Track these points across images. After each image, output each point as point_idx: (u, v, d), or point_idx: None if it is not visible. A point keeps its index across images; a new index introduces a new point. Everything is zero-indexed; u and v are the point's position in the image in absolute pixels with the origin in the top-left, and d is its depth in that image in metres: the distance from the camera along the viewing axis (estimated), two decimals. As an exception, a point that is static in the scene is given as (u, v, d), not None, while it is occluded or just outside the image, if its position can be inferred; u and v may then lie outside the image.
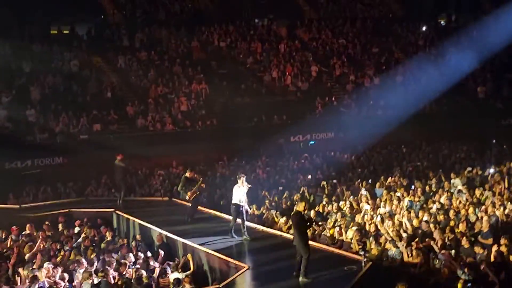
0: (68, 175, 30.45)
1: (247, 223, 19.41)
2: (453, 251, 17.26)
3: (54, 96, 35.23)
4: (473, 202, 22.24)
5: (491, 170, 27.85)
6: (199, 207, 22.50)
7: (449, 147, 36.01)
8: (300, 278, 15.14)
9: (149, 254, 19.06)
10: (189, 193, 21.13)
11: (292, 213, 16.06)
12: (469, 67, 40.81)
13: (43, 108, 33.97)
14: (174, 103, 36.82)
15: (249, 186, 19.38)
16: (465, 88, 41.55)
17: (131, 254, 18.43)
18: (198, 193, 21.49)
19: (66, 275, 16.43)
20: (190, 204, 21.92)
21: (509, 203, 21.49)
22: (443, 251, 17.18)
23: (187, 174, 21.73)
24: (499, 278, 14.73)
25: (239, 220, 19.05)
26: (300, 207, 15.57)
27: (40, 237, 20.15)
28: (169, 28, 43.56)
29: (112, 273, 16.60)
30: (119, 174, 25.41)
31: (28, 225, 21.66)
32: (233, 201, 19.03)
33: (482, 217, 19.66)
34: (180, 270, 17.13)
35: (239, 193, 18.91)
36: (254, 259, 17.47)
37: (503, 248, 16.65)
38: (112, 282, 16.02)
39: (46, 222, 22.29)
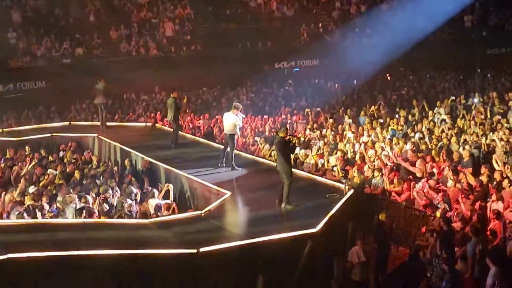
0: (50, 100, 30.24)
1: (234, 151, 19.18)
2: (433, 180, 17.41)
3: (36, 19, 34.60)
4: (456, 131, 22.31)
5: (475, 100, 27.91)
6: (181, 133, 22.52)
7: (434, 76, 35.99)
8: (283, 205, 15.19)
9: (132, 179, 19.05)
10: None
11: (275, 140, 16.06)
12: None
13: (25, 31, 33.41)
14: (159, 28, 36.37)
15: (243, 116, 19.12)
16: (451, 17, 41.18)
17: (113, 180, 18.43)
18: (181, 118, 21.38)
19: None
20: (172, 130, 21.91)
21: (490, 132, 21.60)
22: (423, 180, 17.34)
23: (173, 95, 21.61)
24: (474, 208, 14.89)
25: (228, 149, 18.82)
26: (282, 133, 15.56)
27: (25, 161, 20.15)
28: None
29: (95, 198, 16.64)
30: (101, 99, 25.22)
31: (9, 149, 21.61)
32: (228, 131, 18.59)
33: (463, 146, 19.79)
34: (161, 197, 17.19)
35: (231, 121, 18.49)
36: (237, 186, 17.49)
37: (484, 178, 16.82)
38: (95, 207, 16.05)
39: (29, 146, 22.25)
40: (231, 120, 18.42)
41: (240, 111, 18.65)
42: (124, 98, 31.96)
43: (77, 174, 19.06)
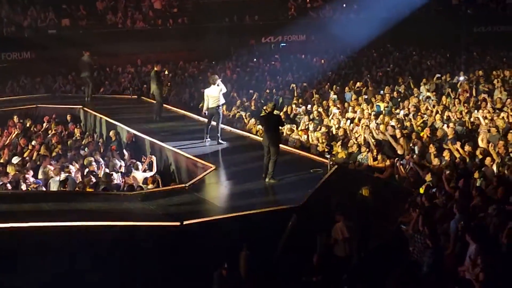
0: (36, 71, 30.15)
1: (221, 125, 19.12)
2: (417, 156, 17.49)
3: (22, -11, 34.33)
4: (440, 109, 22.37)
5: (461, 78, 27.97)
6: (166, 105, 22.53)
7: (420, 53, 36.02)
8: (267, 180, 15.25)
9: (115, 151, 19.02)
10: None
11: (262, 114, 16.07)
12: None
13: (10, 1, 33.09)
14: (145, 0, 36.13)
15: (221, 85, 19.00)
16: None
17: (98, 152, 18.41)
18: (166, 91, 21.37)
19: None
20: (156, 102, 21.90)
21: (475, 110, 21.69)
22: (407, 156, 17.40)
23: (156, 68, 21.59)
24: (457, 185, 14.96)
25: (213, 123, 18.80)
26: (269, 107, 15.59)
27: (12, 131, 20.11)
28: None
29: (79, 169, 16.64)
30: (86, 71, 25.12)
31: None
32: (211, 105, 18.42)
33: (447, 124, 19.88)
34: (145, 170, 17.21)
35: (215, 94, 18.37)
36: (221, 160, 17.57)
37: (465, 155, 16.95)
38: (79, 179, 16.06)
39: (14, 116, 22.15)
40: (215, 92, 18.34)
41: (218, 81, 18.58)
42: (109, 70, 31.79)
43: (61, 146, 19.02)
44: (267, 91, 27.28)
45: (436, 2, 40.79)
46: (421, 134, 19.12)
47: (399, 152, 18.04)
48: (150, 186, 15.69)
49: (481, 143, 17.82)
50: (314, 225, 13.83)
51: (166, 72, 21.56)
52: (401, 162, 17.18)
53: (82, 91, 26.75)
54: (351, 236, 13.49)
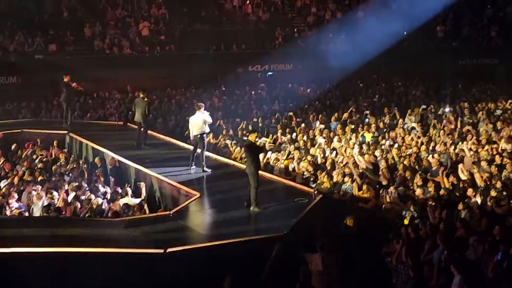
0: (21, 95, 30.04)
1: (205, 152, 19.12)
2: (402, 188, 17.52)
3: (10, 14, 34.33)
4: (425, 140, 22.47)
5: (446, 109, 28.15)
6: (151, 132, 22.57)
7: (406, 85, 36.25)
8: (251, 208, 15.23)
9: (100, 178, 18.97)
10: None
11: (244, 143, 16.11)
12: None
13: (-3, 25, 33.20)
14: (133, 27, 36.27)
15: (208, 113, 19.04)
16: (424, 26, 41.49)
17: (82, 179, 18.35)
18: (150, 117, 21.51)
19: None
20: (142, 130, 21.88)
21: (460, 142, 21.81)
22: (392, 187, 17.44)
23: (142, 95, 21.63)
24: (441, 216, 15.00)
25: (198, 150, 18.78)
26: (251, 136, 15.62)
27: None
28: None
29: (63, 195, 16.55)
30: (67, 96, 25.09)
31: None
32: (195, 132, 18.42)
33: (432, 155, 19.96)
34: (131, 196, 17.15)
35: (200, 122, 18.38)
36: (206, 187, 17.55)
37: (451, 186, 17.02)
38: (63, 204, 15.97)
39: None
40: (199, 120, 18.34)
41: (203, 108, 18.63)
42: (96, 96, 31.79)
43: (45, 171, 18.95)
44: (254, 119, 27.31)
45: (422, 34, 41.17)
46: (406, 165, 19.16)
47: (384, 182, 18.06)
48: (138, 213, 15.64)
49: (463, 175, 17.90)
50: (298, 254, 13.79)
51: (146, 99, 21.54)
52: (386, 192, 17.20)
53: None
54: (325, 270, 13.35)
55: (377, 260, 14.43)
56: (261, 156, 16.96)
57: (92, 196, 16.60)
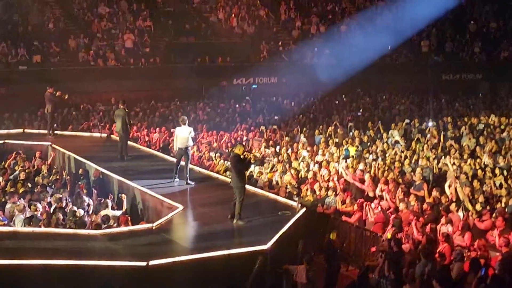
0: (5, 106, 29.86)
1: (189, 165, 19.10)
2: (385, 202, 17.57)
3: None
4: (409, 154, 22.54)
5: (429, 124, 28.27)
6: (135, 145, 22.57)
7: (389, 99, 36.43)
8: (234, 221, 15.22)
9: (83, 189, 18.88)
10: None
11: (230, 156, 16.10)
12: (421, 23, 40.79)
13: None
14: (118, 39, 36.24)
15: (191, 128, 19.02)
16: (409, 41, 41.76)
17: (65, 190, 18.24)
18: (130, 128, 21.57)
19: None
20: (122, 142, 21.82)
21: (443, 156, 21.90)
22: (376, 201, 17.48)
23: (122, 106, 21.59)
24: (424, 230, 15.05)
25: (182, 163, 18.77)
26: (238, 149, 15.60)
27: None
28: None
29: (45, 207, 16.46)
30: (50, 107, 25.00)
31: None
32: (179, 145, 18.48)
33: (415, 169, 20.03)
34: (113, 208, 17.07)
35: (185, 135, 18.42)
36: (189, 200, 17.52)
37: (434, 201, 17.08)
38: (44, 216, 15.87)
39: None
40: (185, 133, 18.40)
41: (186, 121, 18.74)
42: (80, 108, 31.70)
43: (28, 183, 18.82)
44: (238, 132, 27.33)
45: (406, 49, 41.43)
46: (389, 179, 19.21)
47: (370, 194, 18.13)
48: (121, 226, 15.56)
49: (448, 189, 17.95)
50: (282, 268, 13.79)
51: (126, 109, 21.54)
52: (370, 206, 17.24)
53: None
54: (309, 282, 13.37)
55: (360, 274, 14.46)
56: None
57: (75, 208, 16.51)
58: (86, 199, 17.63)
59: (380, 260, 13.42)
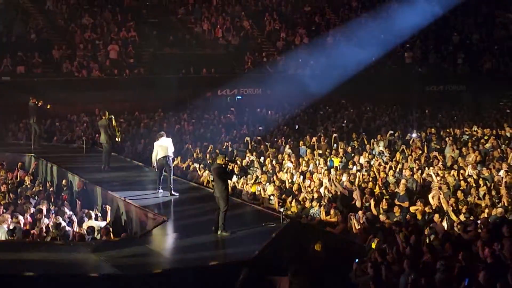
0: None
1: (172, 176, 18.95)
2: (370, 213, 17.58)
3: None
4: (394, 165, 22.60)
5: (413, 135, 28.39)
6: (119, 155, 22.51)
7: (374, 110, 36.54)
8: (219, 232, 15.13)
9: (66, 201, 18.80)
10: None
11: (213, 166, 16.06)
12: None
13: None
14: (102, 50, 36.15)
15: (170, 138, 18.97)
16: (392, 53, 41.94)
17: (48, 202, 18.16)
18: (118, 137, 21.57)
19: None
20: (105, 152, 21.76)
21: (426, 167, 21.97)
22: (360, 212, 17.48)
23: (105, 116, 21.56)
24: (408, 241, 15.05)
25: (165, 174, 18.66)
26: (219, 160, 15.55)
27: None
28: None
29: (28, 218, 16.36)
30: (33, 117, 24.92)
31: None
32: (160, 155, 18.34)
33: (399, 180, 20.07)
34: (99, 219, 16.98)
35: (165, 144, 18.42)
36: (173, 211, 17.45)
37: (418, 212, 17.11)
38: (28, 228, 15.77)
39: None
40: (166, 144, 18.41)
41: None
42: (64, 119, 31.59)
43: (10, 194, 18.73)
44: (223, 143, 27.31)
45: (390, 61, 41.61)
46: (374, 190, 19.25)
47: (357, 205, 18.14)
48: (104, 237, 15.47)
49: (432, 200, 17.99)
50: (265, 279, 13.73)
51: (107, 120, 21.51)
52: (354, 217, 17.24)
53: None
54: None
55: (345, 285, 14.42)
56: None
57: (59, 219, 16.41)
58: (67, 211, 17.49)
59: (364, 271, 13.40)
